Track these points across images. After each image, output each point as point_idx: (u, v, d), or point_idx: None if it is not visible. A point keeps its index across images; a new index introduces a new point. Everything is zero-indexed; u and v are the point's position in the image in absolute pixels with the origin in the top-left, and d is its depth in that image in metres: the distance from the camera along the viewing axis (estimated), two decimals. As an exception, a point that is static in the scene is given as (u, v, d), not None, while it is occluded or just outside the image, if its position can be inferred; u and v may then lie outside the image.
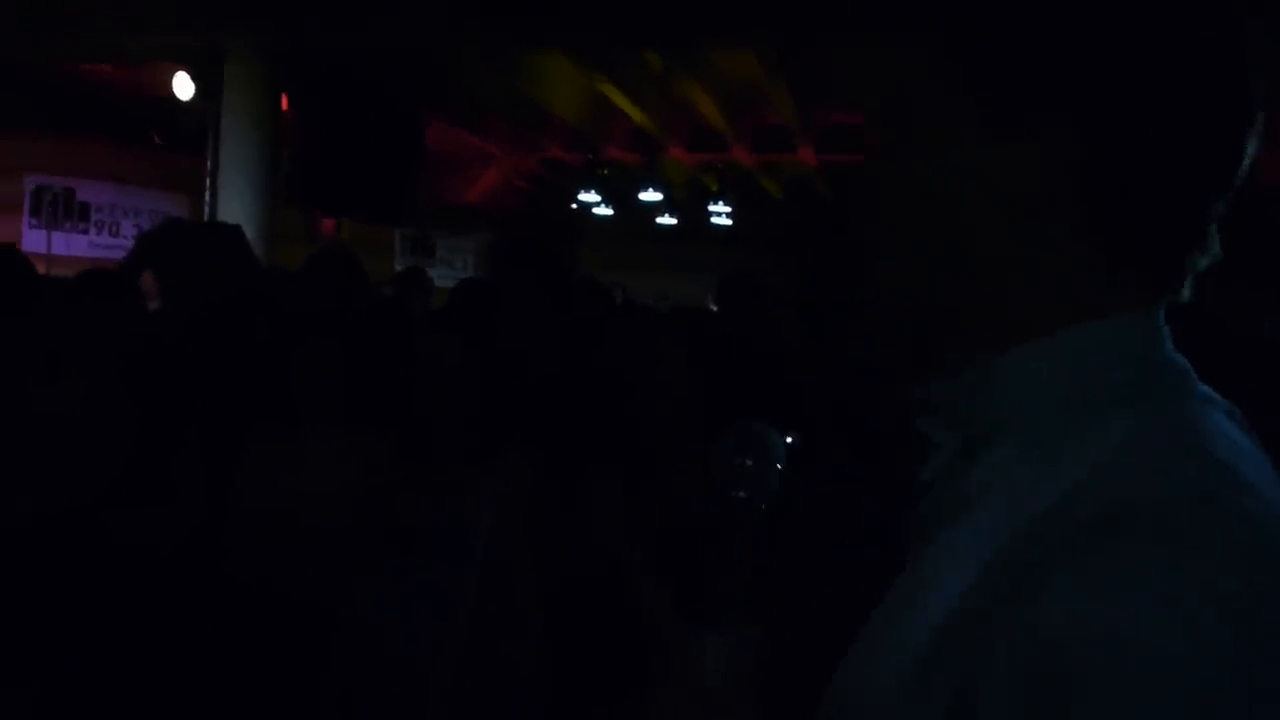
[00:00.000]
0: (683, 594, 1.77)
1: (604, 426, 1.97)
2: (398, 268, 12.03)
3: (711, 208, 12.88)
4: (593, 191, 12.03)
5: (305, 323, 2.48)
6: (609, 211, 12.64)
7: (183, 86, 7.25)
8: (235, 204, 7.06)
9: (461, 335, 1.93)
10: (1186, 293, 0.63)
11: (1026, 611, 0.50)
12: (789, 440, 1.50)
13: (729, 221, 13.10)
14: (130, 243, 4.79)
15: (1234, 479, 0.53)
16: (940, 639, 0.56)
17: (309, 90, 7.63)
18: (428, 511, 1.91)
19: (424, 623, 1.89)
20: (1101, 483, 0.54)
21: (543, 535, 1.90)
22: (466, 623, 1.87)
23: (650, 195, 11.67)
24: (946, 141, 0.62)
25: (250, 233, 7.36)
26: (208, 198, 7.44)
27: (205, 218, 7.36)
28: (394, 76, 7.98)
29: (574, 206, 12.75)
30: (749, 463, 1.46)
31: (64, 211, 9.09)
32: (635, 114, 9.86)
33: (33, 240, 8.40)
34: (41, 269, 4.62)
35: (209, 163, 7.43)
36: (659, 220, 13.36)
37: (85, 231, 9.70)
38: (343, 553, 1.98)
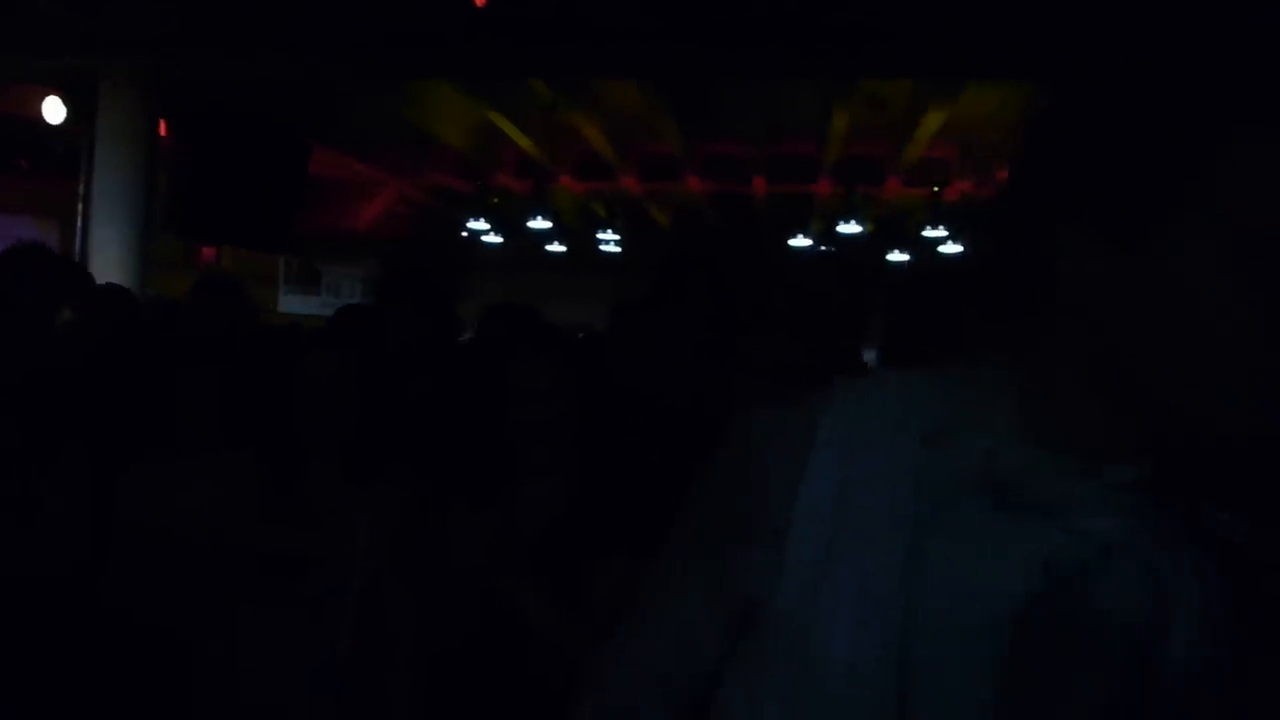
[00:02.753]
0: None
1: (476, 447, 2.01)
2: (281, 296, 11.83)
3: (600, 235, 13.00)
4: (482, 219, 12.03)
5: (184, 349, 2.47)
6: (499, 239, 12.64)
7: (53, 110, 7.03)
8: (109, 231, 6.87)
9: (338, 357, 1.95)
10: None
11: None
12: None
13: (618, 249, 13.23)
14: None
15: None
16: None
17: (187, 115, 7.48)
18: (301, 537, 1.91)
19: (299, 650, 1.89)
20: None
21: (418, 555, 1.92)
22: (345, 647, 1.87)
23: (539, 223, 11.73)
24: None
25: (126, 260, 7.13)
26: (80, 224, 7.21)
27: (77, 245, 7.13)
28: (277, 102, 7.88)
29: (464, 234, 12.71)
30: None
31: (-77, 239, 8.68)
32: (523, 142, 9.92)
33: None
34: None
35: (81, 189, 7.20)
36: (549, 248, 13.42)
37: (-54, 260, 9.26)
38: (215, 581, 1.97)
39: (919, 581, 0.74)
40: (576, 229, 13.31)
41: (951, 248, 10.50)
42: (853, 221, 10.89)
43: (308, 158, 8.52)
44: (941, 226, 10.66)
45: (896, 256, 11.25)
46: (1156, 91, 0.69)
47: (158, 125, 7.24)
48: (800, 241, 12.26)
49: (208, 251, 10.37)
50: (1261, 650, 0.74)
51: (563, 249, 13.48)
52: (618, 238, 13.10)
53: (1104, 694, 0.73)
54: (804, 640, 0.76)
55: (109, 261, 6.72)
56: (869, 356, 2.55)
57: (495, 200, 11.98)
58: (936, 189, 10.72)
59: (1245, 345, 0.66)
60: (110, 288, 3.72)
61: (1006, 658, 0.73)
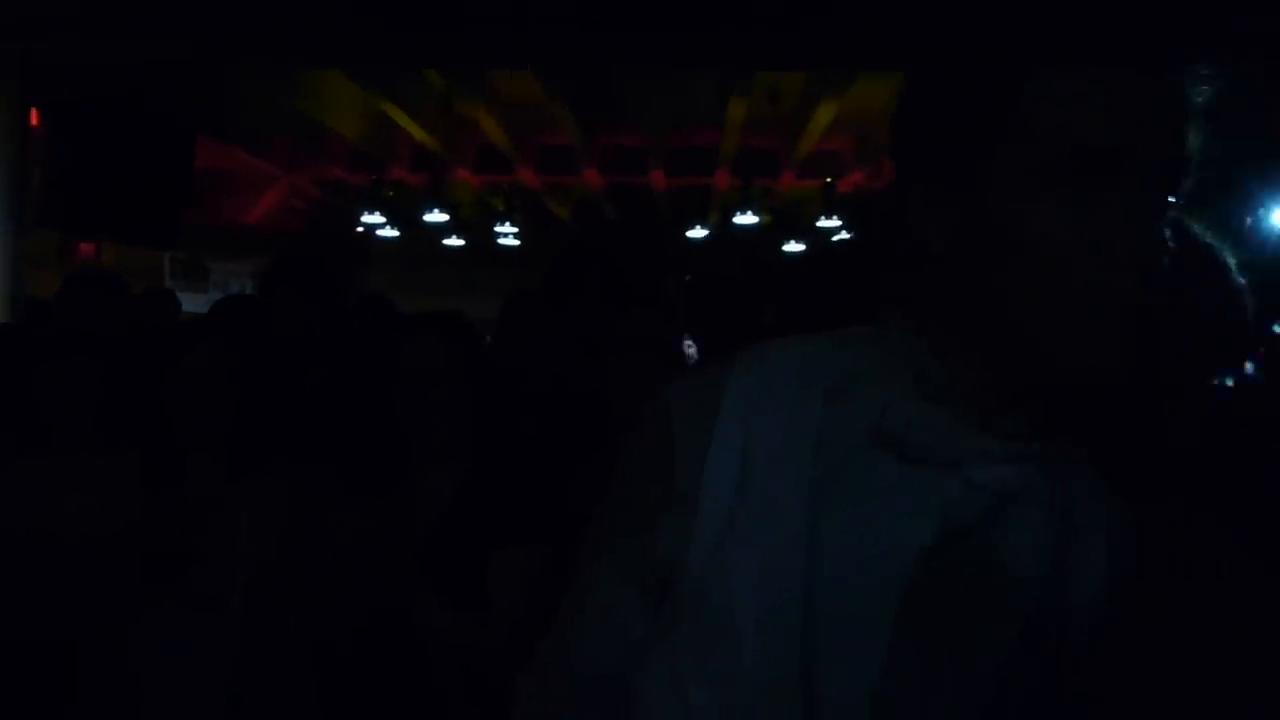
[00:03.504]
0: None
1: (370, 438, 1.97)
2: (168, 293, 11.39)
3: (498, 228, 12.87)
4: (377, 213, 11.79)
5: (56, 344, 2.36)
6: (395, 233, 12.42)
7: (-87, 98, 6.64)
8: (-23, 226, 6.52)
9: (220, 348, 1.88)
10: None
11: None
12: None
13: (516, 242, 13.12)
14: None
15: None
16: None
17: (63, 103, 7.15)
18: (183, 536, 1.84)
19: (185, 654, 1.82)
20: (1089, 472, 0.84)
21: (305, 552, 1.87)
22: (233, 650, 1.81)
23: (436, 216, 11.55)
24: None
25: (-6, 256, 6.74)
26: (-56, 220, 6.83)
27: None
28: (160, 90, 7.59)
29: (359, 229, 12.45)
30: None
31: None
32: (419, 134, 9.75)
33: None
34: None
35: (-55, 182, 6.82)
36: (446, 241, 13.24)
37: None
38: (96, 586, 1.89)
39: (820, 542, 0.75)
40: (474, 222, 13.16)
41: (845, 237, 10.70)
42: (749, 213, 11.00)
43: (193, 149, 8.22)
44: (835, 217, 10.85)
45: (792, 246, 11.41)
46: (967, 45, 0.77)
47: (29, 114, 6.90)
48: (699, 233, 12.34)
49: (85, 247, 9.94)
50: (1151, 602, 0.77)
51: (460, 242, 13.31)
52: (516, 230, 12.98)
53: (1005, 644, 0.74)
54: (713, 608, 0.76)
55: (-23, 259, 6.39)
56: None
57: (390, 194, 11.75)
58: (830, 180, 10.91)
59: (1070, 266, 0.71)
60: None
61: (907, 611, 0.73)
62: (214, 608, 1.79)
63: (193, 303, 11.19)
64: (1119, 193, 0.70)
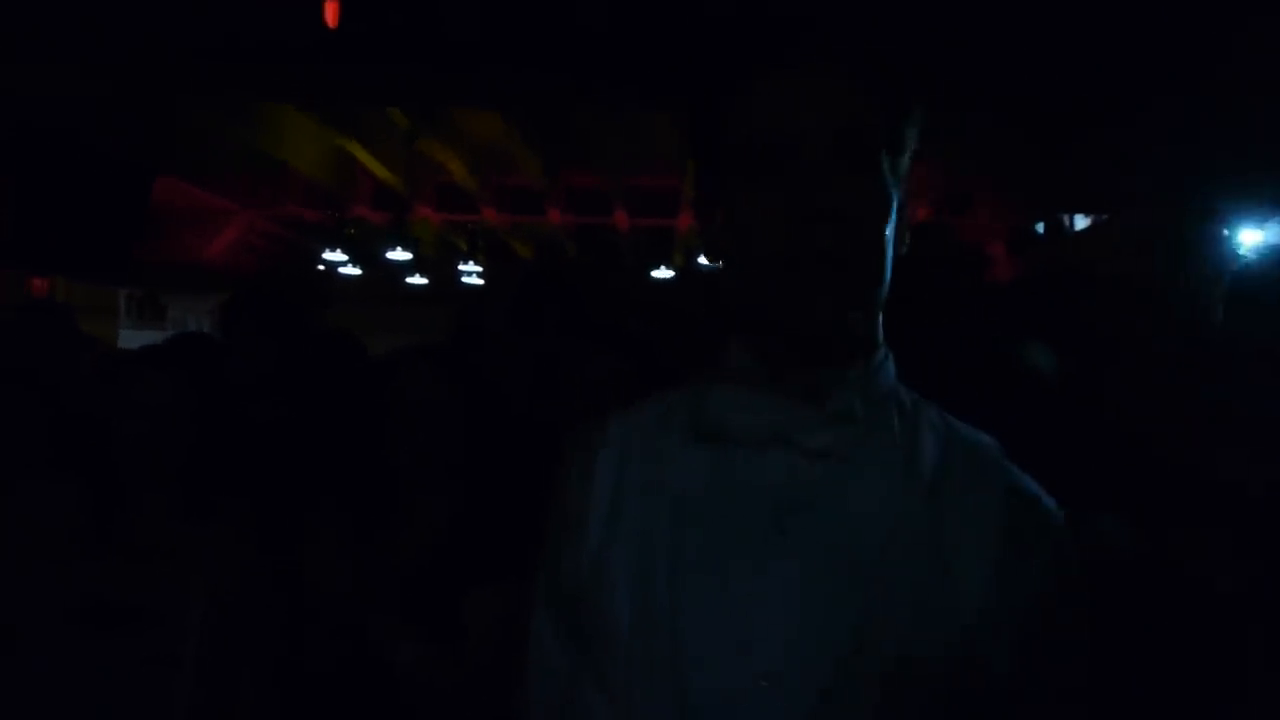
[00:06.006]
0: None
1: (333, 474, 1.91)
2: (121, 330, 11.21)
3: (462, 267, 12.81)
4: (338, 251, 11.70)
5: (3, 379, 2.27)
6: (356, 271, 12.32)
7: None
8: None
9: (172, 379, 1.80)
10: None
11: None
12: None
13: (480, 281, 13.07)
14: None
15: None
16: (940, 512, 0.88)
17: (12, 135, 7.03)
18: (133, 580, 1.75)
19: (136, 706, 1.73)
20: (965, 439, 0.94)
21: (269, 592, 1.79)
22: (185, 702, 1.73)
23: (398, 254, 11.48)
24: None
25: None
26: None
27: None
28: (114, 124, 7.50)
29: (320, 267, 12.34)
30: None
31: None
32: (381, 172, 9.71)
33: None
34: None
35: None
36: (409, 280, 13.15)
37: None
38: (39, 629, 1.79)
39: (680, 540, 0.88)
40: (437, 261, 13.09)
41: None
42: (713, 254, 11.05)
43: (149, 185, 8.12)
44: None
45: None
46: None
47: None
48: (662, 274, 12.37)
49: (39, 284, 9.76)
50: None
51: (423, 281, 13.23)
52: (480, 269, 12.94)
53: (858, 600, 0.84)
54: (598, 610, 0.91)
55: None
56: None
57: (352, 231, 11.67)
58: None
59: (751, 234, 0.89)
60: None
61: (765, 581, 0.85)
62: (168, 664, 1.69)
63: (149, 340, 11.02)
64: (782, 175, 0.87)
